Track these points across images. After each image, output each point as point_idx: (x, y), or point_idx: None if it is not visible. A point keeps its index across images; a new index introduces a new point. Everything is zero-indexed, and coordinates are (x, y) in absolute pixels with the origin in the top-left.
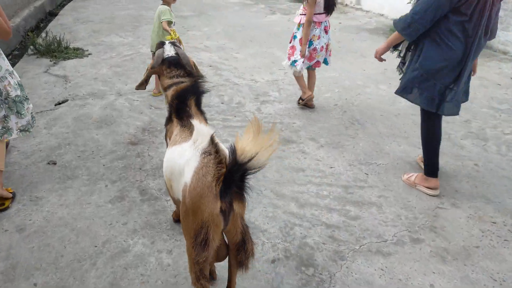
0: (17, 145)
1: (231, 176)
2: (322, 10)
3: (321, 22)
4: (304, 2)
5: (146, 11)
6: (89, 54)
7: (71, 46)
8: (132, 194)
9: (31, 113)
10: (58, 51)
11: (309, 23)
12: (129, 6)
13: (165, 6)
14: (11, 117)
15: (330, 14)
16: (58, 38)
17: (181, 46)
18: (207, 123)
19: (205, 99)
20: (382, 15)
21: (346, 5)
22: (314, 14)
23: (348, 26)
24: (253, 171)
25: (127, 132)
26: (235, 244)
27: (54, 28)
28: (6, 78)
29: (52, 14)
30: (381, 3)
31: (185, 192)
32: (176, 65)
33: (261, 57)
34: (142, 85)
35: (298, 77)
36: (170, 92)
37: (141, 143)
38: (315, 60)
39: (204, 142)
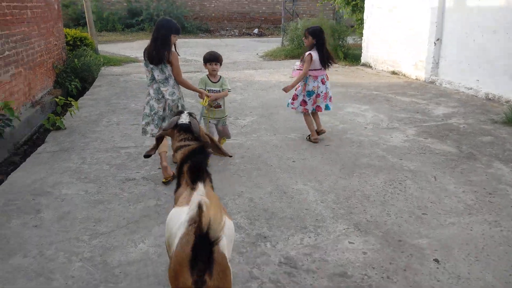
0: None
1: (199, 246)
2: (318, 67)
3: (318, 76)
4: (301, 61)
5: None
6: None
7: None
8: None
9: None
10: None
11: (302, 77)
12: None
13: (204, 76)
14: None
15: (326, 69)
16: None
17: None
18: (211, 185)
19: None
20: None
21: None
22: (312, 70)
23: None
24: (216, 241)
25: None
26: None
27: None
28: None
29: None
30: None
31: (173, 255)
32: (186, 131)
33: None
34: (153, 149)
35: (306, 117)
36: (179, 154)
37: None
38: (316, 105)
39: (194, 209)
